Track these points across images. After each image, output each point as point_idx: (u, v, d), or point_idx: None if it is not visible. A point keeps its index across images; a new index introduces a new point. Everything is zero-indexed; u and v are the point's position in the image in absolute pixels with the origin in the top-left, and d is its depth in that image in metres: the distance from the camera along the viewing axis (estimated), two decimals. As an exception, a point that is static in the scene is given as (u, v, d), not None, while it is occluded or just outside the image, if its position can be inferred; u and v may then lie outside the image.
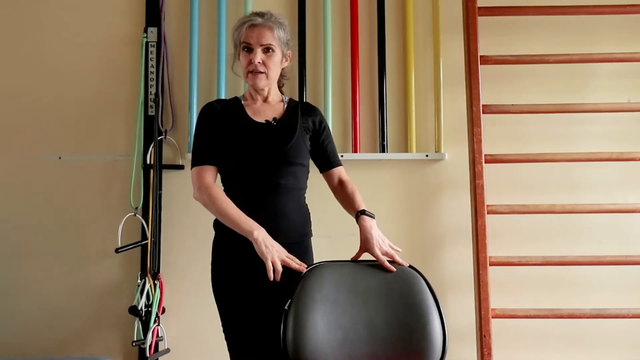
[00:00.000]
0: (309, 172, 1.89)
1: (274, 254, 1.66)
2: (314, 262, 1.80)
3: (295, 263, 1.68)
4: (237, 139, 1.80)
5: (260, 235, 1.68)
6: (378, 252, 1.73)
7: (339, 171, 1.95)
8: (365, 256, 1.77)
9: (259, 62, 1.80)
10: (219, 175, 1.86)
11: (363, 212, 1.80)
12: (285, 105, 1.90)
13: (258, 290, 1.73)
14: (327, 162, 1.94)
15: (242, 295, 1.75)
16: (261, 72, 1.81)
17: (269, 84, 1.86)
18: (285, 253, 1.69)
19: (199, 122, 1.86)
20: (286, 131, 1.83)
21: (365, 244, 1.76)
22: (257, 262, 1.67)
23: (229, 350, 1.77)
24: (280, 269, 1.64)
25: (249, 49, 1.81)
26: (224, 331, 1.78)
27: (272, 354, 1.69)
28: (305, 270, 1.68)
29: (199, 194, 1.79)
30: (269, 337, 1.69)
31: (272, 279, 1.63)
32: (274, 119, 1.85)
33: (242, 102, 1.89)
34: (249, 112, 1.85)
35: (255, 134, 1.81)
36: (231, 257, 1.78)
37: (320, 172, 1.96)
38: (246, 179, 1.79)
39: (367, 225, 1.77)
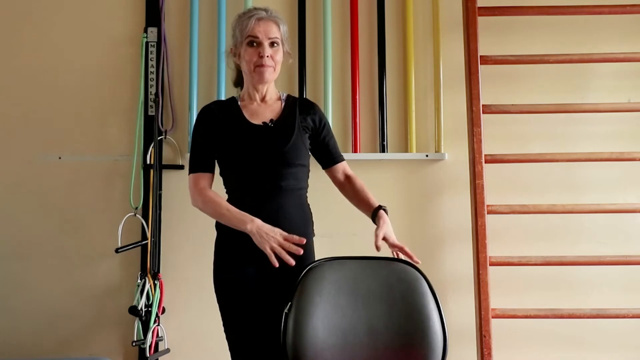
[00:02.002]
0: (309, 171, 1.88)
1: (271, 241, 1.64)
2: (311, 261, 1.77)
3: (295, 239, 1.65)
4: (235, 143, 1.79)
5: (254, 227, 1.67)
6: (393, 237, 1.72)
7: (343, 166, 1.93)
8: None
9: (268, 56, 1.79)
10: (220, 179, 1.86)
11: (381, 207, 1.79)
12: (283, 104, 1.88)
13: (260, 290, 1.73)
14: (329, 158, 1.93)
15: (244, 295, 1.75)
16: (270, 66, 1.80)
17: (274, 79, 1.85)
18: (282, 233, 1.66)
19: (196, 127, 1.86)
20: (284, 133, 1.81)
21: (385, 228, 1.73)
22: (260, 263, 1.68)
23: (230, 350, 1.76)
24: (282, 252, 1.62)
25: (256, 43, 1.79)
26: (225, 331, 1.78)
27: (273, 355, 1.69)
28: (304, 242, 1.66)
29: (193, 201, 1.80)
30: (270, 337, 1.69)
31: (277, 265, 1.61)
32: (271, 120, 1.83)
33: (239, 102, 1.87)
34: (246, 114, 1.84)
35: (253, 137, 1.80)
36: (233, 258, 1.78)
37: (324, 168, 1.94)
38: (246, 182, 1.79)
39: (386, 218, 1.76)
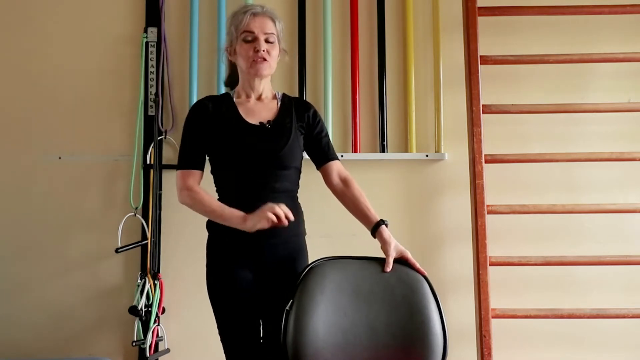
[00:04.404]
0: (301, 172, 1.86)
1: (263, 216, 1.61)
2: (313, 260, 1.77)
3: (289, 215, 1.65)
4: (230, 142, 1.76)
5: (247, 225, 1.64)
6: (409, 256, 1.73)
7: (337, 165, 1.87)
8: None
9: (264, 50, 1.76)
10: (210, 177, 1.84)
11: (383, 222, 1.77)
12: (279, 103, 1.85)
13: (253, 292, 1.73)
14: (322, 155, 1.87)
15: (237, 297, 1.73)
16: (266, 60, 1.77)
17: (270, 74, 1.82)
18: (269, 206, 1.64)
19: (188, 121, 1.81)
20: (281, 135, 1.78)
21: (398, 248, 1.74)
22: (253, 264, 1.67)
23: (225, 351, 1.75)
24: (280, 214, 1.61)
25: (251, 38, 1.76)
26: (219, 333, 1.77)
27: (267, 355, 1.68)
28: (292, 219, 1.65)
29: (180, 197, 1.78)
30: (264, 339, 1.69)
31: (286, 224, 1.62)
32: (268, 121, 1.80)
33: (235, 99, 1.84)
34: (242, 112, 1.80)
35: (249, 137, 1.76)
36: (226, 259, 1.75)
37: (317, 168, 1.89)
38: (240, 182, 1.76)
39: (390, 237, 1.75)
